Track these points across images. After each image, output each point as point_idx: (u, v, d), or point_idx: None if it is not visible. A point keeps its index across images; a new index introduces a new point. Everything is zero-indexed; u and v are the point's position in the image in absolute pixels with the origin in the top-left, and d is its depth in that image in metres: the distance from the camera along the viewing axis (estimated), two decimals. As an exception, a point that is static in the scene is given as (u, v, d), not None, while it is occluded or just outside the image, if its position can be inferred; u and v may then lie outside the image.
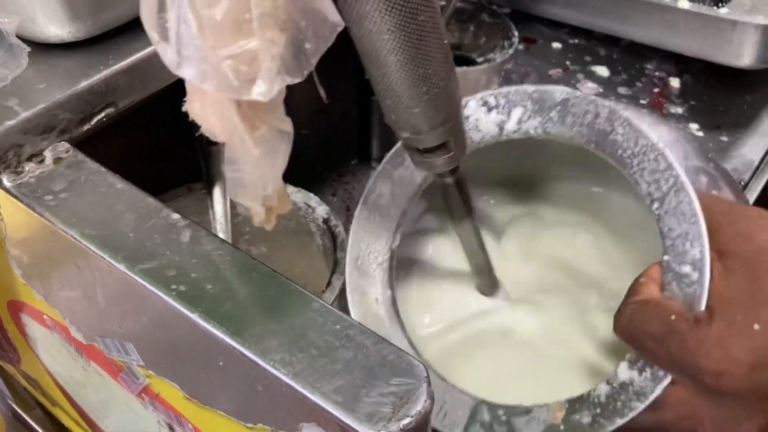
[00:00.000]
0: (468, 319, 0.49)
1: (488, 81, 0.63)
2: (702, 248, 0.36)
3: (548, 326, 0.48)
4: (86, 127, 0.43)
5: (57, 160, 0.41)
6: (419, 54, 0.32)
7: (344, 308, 0.45)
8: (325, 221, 0.52)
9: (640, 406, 0.37)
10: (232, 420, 0.35)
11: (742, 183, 0.62)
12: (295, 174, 0.46)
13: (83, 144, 0.43)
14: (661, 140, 0.39)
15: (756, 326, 0.33)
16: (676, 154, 0.39)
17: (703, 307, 0.35)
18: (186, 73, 0.29)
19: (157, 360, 0.38)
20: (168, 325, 0.35)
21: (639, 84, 0.74)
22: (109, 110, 0.44)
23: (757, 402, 0.34)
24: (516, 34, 0.66)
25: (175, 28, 0.28)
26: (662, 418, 0.37)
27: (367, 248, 0.46)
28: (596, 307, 0.47)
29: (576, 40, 0.79)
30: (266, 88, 0.29)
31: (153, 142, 0.53)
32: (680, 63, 0.75)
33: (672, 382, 0.36)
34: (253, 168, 0.33)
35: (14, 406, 0.65)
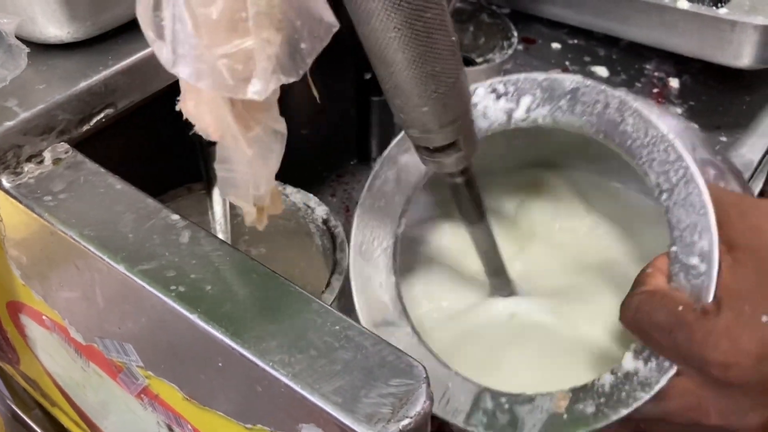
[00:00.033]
0: (473, 307, 0.49)
1: (487, 81, 0.63)
2: (711, 240, 0.36)
3: (553, 315, 0.48)
4: (85, 127, 0.43)
5: (56, 161, 0.41)
6: (427, 51, 0.32)
7: (344, 309, 0.45)
8: (325, 222, 0.52)
9: (645, 397, 0.37)
10: (231, 421, 0.35)
11: (742, 183, 0.62)
12: (294, 174, 0.46)
13: (82, 145, 0.43)
14: (671, 131, 0.39)
15: (764, 318, 0.33)
16: (684, 145, 0.39)
17: (711, 299, 0.35)
18: (181, 71, 0.29)
19: (157, 361, 0.38)
20: (167, 325, 0.35)
21: (638, 84, 0.74)
22: (109, 111, 0.44)
23: (763, 393, 0.34)
24: (515, 34, 0.66)
25: (171, 27, 0.28)
26: (667, 408, 0.37)
27: (372, 234, 0.46)
28: (602, 296, 0.47)
29: (575, 41, 0.79)
30: (262, 87, 0.29)
31: (152, 143, 0.53)
32: (679, 63, 0.75)
33: (677, 373, 0.36)
34: (246, 167, 0.33)
35: (13, 406, 0.65)
